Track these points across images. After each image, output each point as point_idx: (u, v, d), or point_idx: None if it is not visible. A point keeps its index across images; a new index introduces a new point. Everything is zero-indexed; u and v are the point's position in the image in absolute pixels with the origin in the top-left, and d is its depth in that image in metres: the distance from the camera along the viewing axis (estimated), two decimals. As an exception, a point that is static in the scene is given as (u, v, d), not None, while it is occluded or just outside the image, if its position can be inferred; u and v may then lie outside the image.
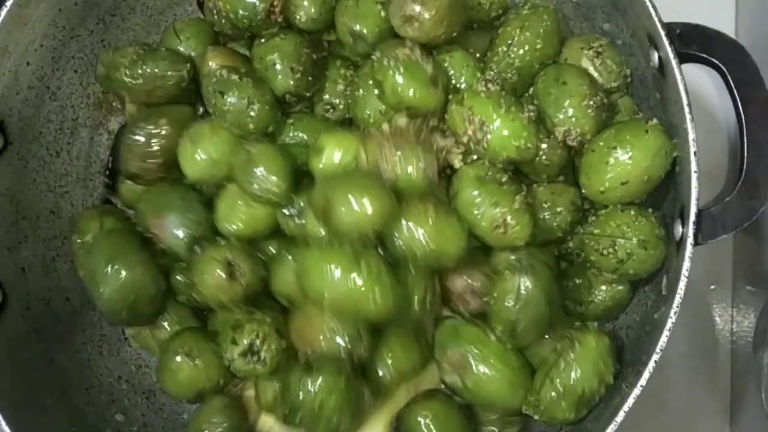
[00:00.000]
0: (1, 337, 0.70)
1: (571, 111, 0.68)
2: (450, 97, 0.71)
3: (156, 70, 0.73)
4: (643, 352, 0.65)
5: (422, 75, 0.69)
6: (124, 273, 0.69)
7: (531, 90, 0.72)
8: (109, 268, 0.69)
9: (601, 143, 0.68)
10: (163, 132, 0.73)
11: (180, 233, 0.72)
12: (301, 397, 0.65)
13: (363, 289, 0.63)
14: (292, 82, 0.72)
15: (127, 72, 0.73)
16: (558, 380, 0.67)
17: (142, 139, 0.73)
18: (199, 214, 0.73)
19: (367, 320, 0.65)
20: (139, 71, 0.73)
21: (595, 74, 0.72)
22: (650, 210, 0.69)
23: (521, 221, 0.67)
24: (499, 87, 0.69)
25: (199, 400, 0.73)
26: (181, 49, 0.76)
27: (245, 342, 0.67)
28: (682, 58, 0.65)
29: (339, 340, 0.66)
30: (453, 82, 0.72)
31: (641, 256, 0.68)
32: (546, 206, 0.71)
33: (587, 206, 0.73)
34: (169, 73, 0.73)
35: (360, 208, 0.63)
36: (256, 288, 0.70)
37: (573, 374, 0.67)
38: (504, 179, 0.68)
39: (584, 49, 0.73)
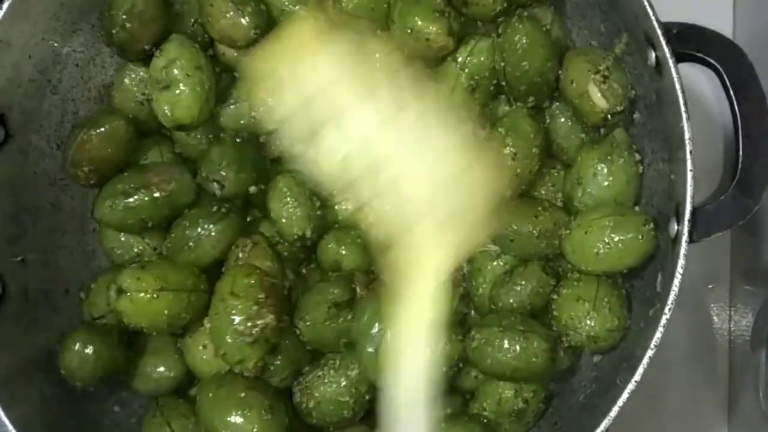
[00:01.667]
0: (0, 328, 0.70)
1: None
2: None
3: None
4: (638, 347, 0.65)
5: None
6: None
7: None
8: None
9: (597, 232, 0.70)
10: None
11: None
12: None
13: None
14: None
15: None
16: None
17: None
18: None
19: None
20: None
21: (602, 100, 0.71)
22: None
23: None
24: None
25: None
26: None
27: None
28: (679, 58, 0.65)
29: None
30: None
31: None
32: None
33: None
34: None
35: None
36: None
37: None
38: None
39: (591, 73, 0.71)
